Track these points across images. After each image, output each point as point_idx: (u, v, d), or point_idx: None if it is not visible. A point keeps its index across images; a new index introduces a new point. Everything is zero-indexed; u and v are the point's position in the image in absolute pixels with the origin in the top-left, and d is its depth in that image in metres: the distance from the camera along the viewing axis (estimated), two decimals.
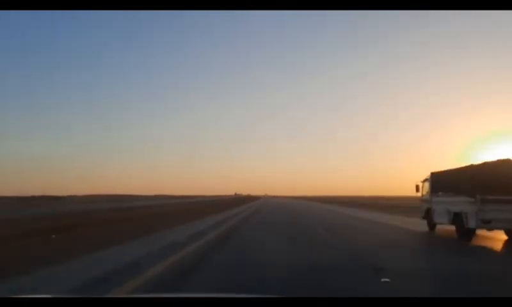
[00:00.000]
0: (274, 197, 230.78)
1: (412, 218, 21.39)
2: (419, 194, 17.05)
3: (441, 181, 14.74)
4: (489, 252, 10.55)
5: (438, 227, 15.01)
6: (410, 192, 19.26)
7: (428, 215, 15.38)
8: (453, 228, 13.00)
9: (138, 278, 6.00)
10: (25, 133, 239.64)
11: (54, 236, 11.72)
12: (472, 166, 13.11)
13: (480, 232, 12.78)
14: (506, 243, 11.87)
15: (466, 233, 12.00)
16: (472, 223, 11.68)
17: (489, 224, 11.62)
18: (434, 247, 11.91)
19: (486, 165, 12.85)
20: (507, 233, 12.66)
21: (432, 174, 15.50)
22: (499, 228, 12.18)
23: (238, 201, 72.28)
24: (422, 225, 16.02)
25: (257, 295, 2.26)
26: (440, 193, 14.53)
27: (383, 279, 6.11)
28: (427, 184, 16.08)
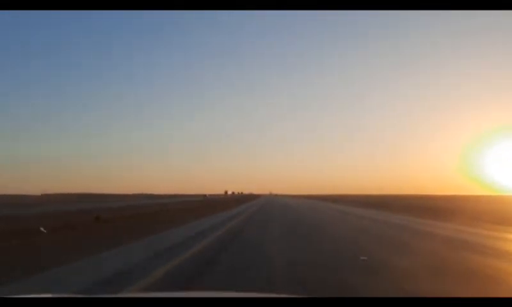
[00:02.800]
0: (276, 195, 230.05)
1: None
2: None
3: None
4: None
5: None
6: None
7: None
8: None
9: None
10: None
11: None
12: None
13: None
14: None
15: None
16: None
17: None
18: None
19: None
20: None
21: None
22: None
23: (208, 207, 40.37)
24: None
25: (257, 295, 2.26)
26: None
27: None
28: None
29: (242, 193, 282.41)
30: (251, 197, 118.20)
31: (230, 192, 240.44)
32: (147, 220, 20.20)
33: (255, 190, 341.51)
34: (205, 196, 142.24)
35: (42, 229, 13.96)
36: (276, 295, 2.29)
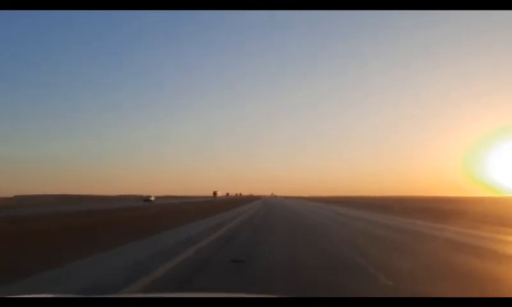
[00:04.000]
0: (275, 197, 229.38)
1: None
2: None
3: None
4: None
5: None
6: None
7: None
8: None
9: None
10: None
11: None
12: None
13: None
14: None
15: None
16: None
17: None
18: None
19: None
20: None
21: None
22: None
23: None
24: None
25: (257, 295, 2.26)
26: None
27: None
28: None
29: (240, 194, 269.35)
30: (247, 200, 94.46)
31: (223, 194, 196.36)
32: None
33: (256, 191, 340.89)
34: (148, 198, 79.50)
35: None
36: (276, 295, 2.29)
